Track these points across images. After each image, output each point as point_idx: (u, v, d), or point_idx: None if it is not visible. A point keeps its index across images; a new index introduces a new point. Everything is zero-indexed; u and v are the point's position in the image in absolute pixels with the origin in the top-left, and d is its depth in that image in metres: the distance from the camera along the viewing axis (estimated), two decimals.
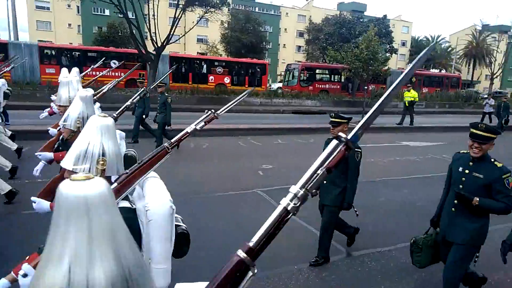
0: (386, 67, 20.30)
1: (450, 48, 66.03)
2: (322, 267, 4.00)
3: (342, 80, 29.00)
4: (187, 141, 9.40)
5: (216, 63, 28.78)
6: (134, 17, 21.47)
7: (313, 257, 4.09)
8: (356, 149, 3.84)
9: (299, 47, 60.42)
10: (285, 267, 3.96)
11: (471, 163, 3.03)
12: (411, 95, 15.99)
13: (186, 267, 3.91)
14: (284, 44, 62.26)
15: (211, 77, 27.58)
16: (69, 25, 51.38)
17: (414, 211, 5.96)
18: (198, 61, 29.09)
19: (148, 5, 22.39)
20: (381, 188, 7.15)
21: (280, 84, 36.99)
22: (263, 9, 58.43)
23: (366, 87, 19.16)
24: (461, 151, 3.25)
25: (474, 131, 2.94)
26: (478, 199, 2.88)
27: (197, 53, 54.43)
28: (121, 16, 23.93)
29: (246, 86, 27.18)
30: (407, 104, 15.98)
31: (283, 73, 36.74)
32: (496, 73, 39.05)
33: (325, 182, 3.70)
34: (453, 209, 3.10)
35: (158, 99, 9.67)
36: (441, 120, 19.37)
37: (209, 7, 23.63)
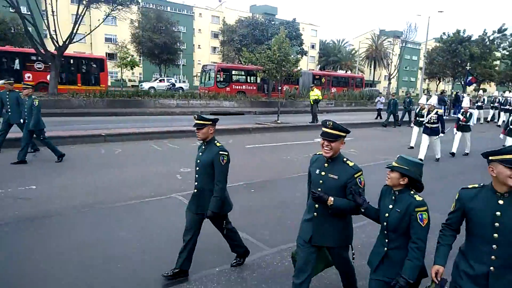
0: (298, 68, 21.32)
1: (354, 51, 72.01)
2: (243, 266, 4.00)
3: (258, 81, 29.74)
4: (97, 147, 8.75)
5: (33, 57, 22.72)
6: (29, 13, 19.32)
7: (233, 259, 4.08)
8: (221, 152, 3.59)
9: (215, 48, 60.50)
10: (206, 271, 3.88)
11: (326, 165, 2.95)
12: (314, 94, 17.07)
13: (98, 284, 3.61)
14: (199, 45, 61.81)
15: (27, 75, 22.70)
16: None
17: None
18: (6, 55, 23.11)
19: (45, 0, 20.31)
20: (298, 183, 7.45)
21: (154, 84, 36.55)
22: (176, 8, 57.21)
23: (280, 88, 19.90)
24: (317, 153, 3.09)
25: (324, 129, 2.87)
26: (332, 199, 2.80)
27: (106, 53, 51.28)
28: (13, 11, 21.36)
29: (79, 85, 24.12)
30: (312, 103, 17.04)
31: (199, 74, 36.41)
32: (392, 74, 43.50)
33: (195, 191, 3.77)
34: (315, 213, 2.95)
35: (26, 103, 8.21)
36: (349, 118, 20.94)
37: (116, 5, 22.28)
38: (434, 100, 10.64)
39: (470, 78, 27.45)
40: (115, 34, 49.67)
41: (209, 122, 3.63)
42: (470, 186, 2.41)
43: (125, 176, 7.44)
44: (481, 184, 2.38)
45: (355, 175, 2.85)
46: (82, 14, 20.94)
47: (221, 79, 28.19)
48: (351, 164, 2.92)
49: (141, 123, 14.47)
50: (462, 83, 46.74)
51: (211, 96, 23.83)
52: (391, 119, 18.27)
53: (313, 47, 70.84)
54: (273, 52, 16.35)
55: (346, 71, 54.11)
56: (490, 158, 2.26)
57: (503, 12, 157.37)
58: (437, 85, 61.13)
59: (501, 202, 2.22)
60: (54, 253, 4.16)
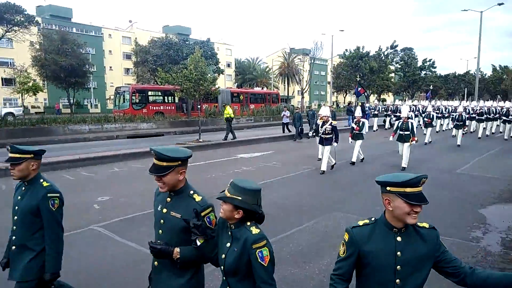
0: (216, 87, 21.52)
1: (268, 68, 75.13)
2: None
3: (176, 100, 29.27)
4: None
5: None
6: None
7: None
8: (50, 194, 2.77)
9: (128, 69, 58.23)
10: None
11: (168, 199, 2.31)
12: (226, 112, 17.49)
13: None
14: (111, 67, 59.01)
15: None
16: None
17: None
18: None
19: None
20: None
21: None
22: (82, 30, 54.12)
23: (199, 106, 19.82)
24: None
25: (154, 161, 2.24)
26: (179, 250, 2.15)
27: (1, 78, 46.22)
28: None
29: None
30: (225, 121, 17.43)
31: (112, 97, 34.62)
32: (304, 88, 46.24)
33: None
34: (155, 262, 2.34)
35: None
36: (268, 132, 21.66)
37: (11, 26, 20.31)
38: (326, 111, 10.62)
39: (359, 89, 29.46)
40: (12, 57, 45.07)
41: (29, 156, 2.76)
42: (361, 223, 1.96)
43: None
44: (372, 219, 1.97)
45: (202, 214, 2.19)
46: None
47: (137, 101, 27.16)
48: (198, 199, 2.26)
49: (50, 152, 13.18)
50: (365, 94, 51.60)
51: (127, 119, 22.77)
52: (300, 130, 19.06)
53: (229, 65, 72.23)
54: (190, 71, 16.28)
55: (262, 88, 56.09)
56: (388, 188, 1.85)
57: (394, 29, 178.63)
58: (344, 97, 66.58)
59: (399, 239, 1.87)
60: None
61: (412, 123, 10.94)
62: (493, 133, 20.48)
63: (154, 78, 36.31)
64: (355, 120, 11.79)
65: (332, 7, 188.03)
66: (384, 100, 46.50)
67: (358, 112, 12.01)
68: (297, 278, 4.11)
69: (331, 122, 10.28)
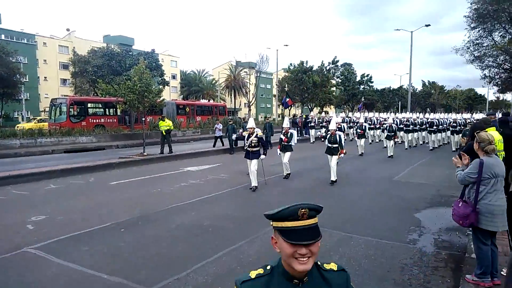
0: (161, 99, 21.06)
1: (214, 81, 75.19)
2: None
3: (118, 113, 28.13)
4: None
5: None
6: None
7: None
8: None
9: (65, 80, 55.02)
10: None
11: None
12: (166, 124, 16.74)
13: None
14: (45, 77, 55.33)
15: None
16: None
17: (202, 231, 6.30)
18: None
19: None
20: (172, 215, 7.24)
21: None
22: (12, 36, 50.32)
23: (144, 119, 19.23)
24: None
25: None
26: None
27: None
28: None
29: None
30: (164, 133, 16.59)
31: (47, 109, 32.41)
32: (251, 101, 46.89)
33: None
34: None
35: None
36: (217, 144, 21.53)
37: None
38: (251, 124, 9.85)
39: (287, 99, 28.37)
40: None
41: None
42: (253, 275, 1.44)
43: None
44: (268, 268, 1.45)
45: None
46: None
47: (75, 113, 25.66)
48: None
49: None
50: (309, 107, 53.55)
51: (64, 132, 21.41)
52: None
53: (174, 77, 71.17)
54: (134, 83, 15.78)
55: (208, 100, 55.88)
56: (271, 223, 1.42)
57: (335, 45, 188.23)
58: (289, 110, 68.51)
59: None
60: None
61: (340, 136, 10.46)
62: (421, 143, 22.17)
63: (94, 89, 34.73)
64: (283, 131, 11.27)
65: (276, 23, 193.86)
66: (327, 112, 48.54)
67: (285, 123, 11.51)
68: None
69: (257, 134, 9.60)
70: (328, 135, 10.66)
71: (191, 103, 39.98)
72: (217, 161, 15.26)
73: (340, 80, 59.17)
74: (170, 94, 63.36)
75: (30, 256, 5.16)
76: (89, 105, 27.34)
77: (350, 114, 27.26)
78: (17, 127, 29.25)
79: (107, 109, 28.14)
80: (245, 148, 9.72)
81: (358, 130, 17.70)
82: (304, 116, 30.28)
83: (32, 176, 10.86)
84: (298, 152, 15.01)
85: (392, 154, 16.24)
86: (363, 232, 6.11)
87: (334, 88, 57.56)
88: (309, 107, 52.59)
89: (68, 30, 60.74)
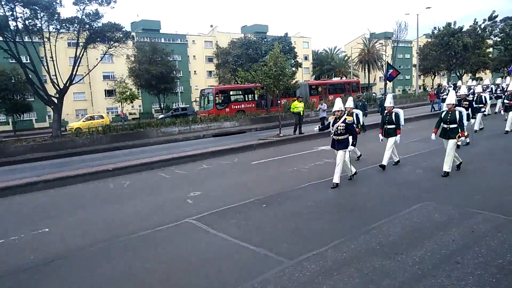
0: (295, 81, 21.53)
1: (346, 57, 72.65)
2: (265, 281, 3.96)
3: (256, 98, 30.01)
4: (105, 182, 8.81)
5: None
6: (29, 61, 19.86)
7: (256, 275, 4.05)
8: None
9: (210, 72, 61.28)
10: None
11: None
12: (298, 105, 16.85)
13: None
14: (195, 71, 62.62)
15: None
16: None
17: (339, 208, 6.29)
18: None
19: (45, 47, 20.87)
20: (308, 193, 7.44)
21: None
22: (169, 39, 58.30)
23: (279, 102, 20.03)
24: None
25: None
26: None
27: (105, 90, 52.03)
28: (13, 61, 21.97)
29: None
30: (301, 114, 16.76)
31: (197, 99, 36.79)
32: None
33: None
34: None
35: None
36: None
37: (112, 42, 22.82)
38: (339, 104, 8.00)
39: (390, 71, 23.06)
40: (113, 70, 50.53)
41: None
42: None
43: (137, 207, 7.47)
44: None
45: None
46: (80, 56, 21.45)
47: (220, 101, 28.45)
48: None
49: (146, 153, 14.60)
50: (458, 74, 46.84)
51: (212, 119, 24.01)
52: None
53: (306, 58, 71.49)
54: (269, 67, 16.56)
55: (341, 77, 54.38)
56: None
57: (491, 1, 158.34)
58: (433, 80, 61.18)
59: None
60: None
61: (461, 113, 8.05)
62: None
63: (235, 78, 37.66)
64: (347, 112, 8.84)
65: None
66: (480, 79, 41.45)
67: (349, 103, 9.22)
68: (388, 270, 3.96)
69: (345, 119, 7.86)
70: (443, 113, 8.27)
71: (323, 82, 39.59)
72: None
73: (499, 39, 49.58)
74: (303, 75, 64.02)
75: (190, 225, 6.05)
76: (231, 92, 29.92)
77: (498, 81, 21.54)
78: (68, 127, 32.01)
79: (246, 95, 30.29)
80: (331, 135, 8.12)
81: (506, 101, 13.94)
82: (448, 86, 26.15)
83: (189, 158, 12.60)
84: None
85: None
86: None
87: (490, 49, 48.76)
88: (458, 74, 45.98)
89: (211, 26, 67.00)
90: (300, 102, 17.18)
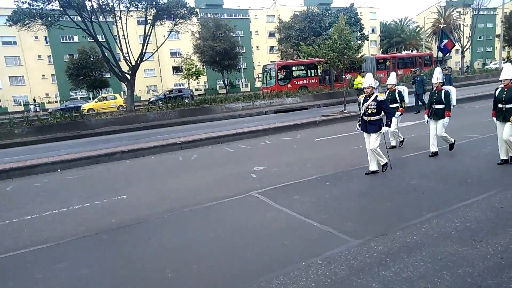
0: (360, 54, 20.56)
1: (418, 28, 67.37)
2: (330, 259, 3.94)
3: (319, 73, 29.24)
4: (175, 155, 9.28)
5: None
6: (104, 40, 21.25)
7: (318, 250, 4.05)
8: None
9: (272, 47, 60.77)
10: (293, 266, 3.90)
11: None
12: (358, 81, 16.28)
13: (193, 278, 3.84)
14: (257, 47, 62.51)
15: None
16: (39, 57, 50.56)
17: (408, 189, 5.99)
18: None
19: (117, 26, 22.17)
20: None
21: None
22: (232, 14, 58.57)
23: (344, 77, 19.31)
24: None
25: None
26: None
27: (172, 67, 54.12)
28: (91, 40, 23.67)
29: None
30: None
31: (260, 75, 36.83)
32: (465, 46, 39.85)
33: None
34: None
35: None
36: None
37: (178, 19, 23.53)
38: (369, 79, 6.92)
39: (445, 41, 19.25)
40: (179, 47, 52.32)
41: None
42: None
43: (204, 179, 7.80)
44: None
45: None
46: (149, 33, 22.44)
47: (282, 77, 28.21)
48: None
49: (212, 128, 15.08)
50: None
51: (274, 95, 23.97)
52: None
53: (373, 30, 67.68)
54: (334, 41, 15.93)
55: (412, 51, 50.67)
56: None
57: None
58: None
59: None
60: (147, 256, 4.50)
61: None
62: None
63: (297, 52, 36.93)
64: (389, 90, 8.92)
65: None
66: None
67: (391, 80, 8.88)
68: (466, 257, 3.70)
69: (376, 96, 6.86)
70: (499, 90, 6.82)
71: (392, 56, 37.27)
72: (415, 118, 13.95)
73: None
74: (369, 49, 60.79)
75: (254, 199, 6.18)
76: (293, 68, 29.49)
77: None
78: (82, 109, 29.01)
79: (308, 71, 29.67)
80: (360, 116, 7.11)
81: None
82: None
83: (253, 133, 12.79)
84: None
85: None
86: None
87: None
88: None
89: None
90: (363, 77, 16.38)
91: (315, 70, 28.97)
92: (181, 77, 44.69)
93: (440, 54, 20.92)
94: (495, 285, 3.21)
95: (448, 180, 6.34)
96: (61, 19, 21.05)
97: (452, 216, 4.74)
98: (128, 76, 22.31)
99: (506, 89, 6.63)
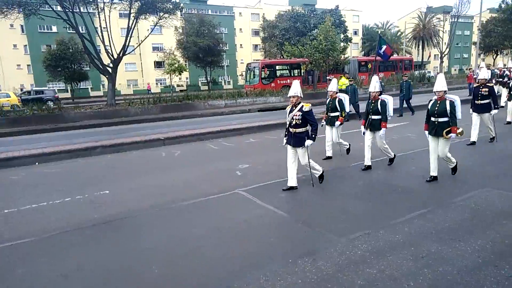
0: (345, 56, 20.85)
1: (399, 33, 68.82)
2: (315, 256, 4.02)
3: (302, 73, 29.48)
4: (157, 151, 9.20)
5: None
6: (85, 32, 20.75)
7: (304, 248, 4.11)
8: None
9: (256, 45, 60.82)
10: (280, 262, 3.95)
11: None
12: (341, 83, 15.79)
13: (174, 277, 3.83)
14: (241, 44, 62.37)
15: None
16: (15, 46, 48.84)
17: (391, 189, 6.15)
18: None
19: (99, 17, 21.67)
20: (359, 172, 7.32)
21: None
22: (216, 11, 58.20)
23: (327, 78, 19.54)
24: None
25: None
26: None
27: (154, 61, 53.33)
28: (71, 31, 23.05)
29: None
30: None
31: (243, 73, 36.79)
32: (444, 52, 41.05)
33: None
34: None
35: None
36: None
37: (162, 13, 23.22)
38: (295, 88, 6.51)
39: (384, 47, 18.65)
40: (162, 42, 51.57)
41: None
42: None
43: (188, 175, 7.77)
44: None
45: None
46: (132, 27, 22.05)
47: (266, 76, 28.29)
48: None
49: (195, 125, 14.98)
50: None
51: (257, 93, 24.00)
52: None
53: (355, 33, 68.62)
54: (319, 41, 16.11)
55: (392, 54, 51.70)
56: None
57: None
58: (494, 59, 56.50)
59: None
60: (133, 252, 4.46)
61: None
62: None
63: (281, 52, 37.10)
64: (329, 97, 8.61)
65: None
66: None
67: (331, 86, 8.64)
68: (445, 256, 3.86)
69: (302, 106, 6.39)
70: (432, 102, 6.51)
71: (374, 59, 37.99)
72: (408, 119, 14.34)
73: None
74: (351, 51, 61.69)
75: (240, 196, 6.21)
76: (277, 67, 29.62)
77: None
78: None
79: (292, 70, 29.85)
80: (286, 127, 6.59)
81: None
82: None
83: (237, 131, 12.80)
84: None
85: None
86: None
87: None
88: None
89: None
90: (347, 78, 16.57)
91: (299, 70, 29.17)
92: (163, 72, 44.15)
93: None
94: (474, 282, 3.36)
95: (428, 182, 6.53)
96: (41, 9, 20.41)
97: (432, 216, 4.90)
98: (110, 69, 21.88)
99: (439, 102, 6.26)
